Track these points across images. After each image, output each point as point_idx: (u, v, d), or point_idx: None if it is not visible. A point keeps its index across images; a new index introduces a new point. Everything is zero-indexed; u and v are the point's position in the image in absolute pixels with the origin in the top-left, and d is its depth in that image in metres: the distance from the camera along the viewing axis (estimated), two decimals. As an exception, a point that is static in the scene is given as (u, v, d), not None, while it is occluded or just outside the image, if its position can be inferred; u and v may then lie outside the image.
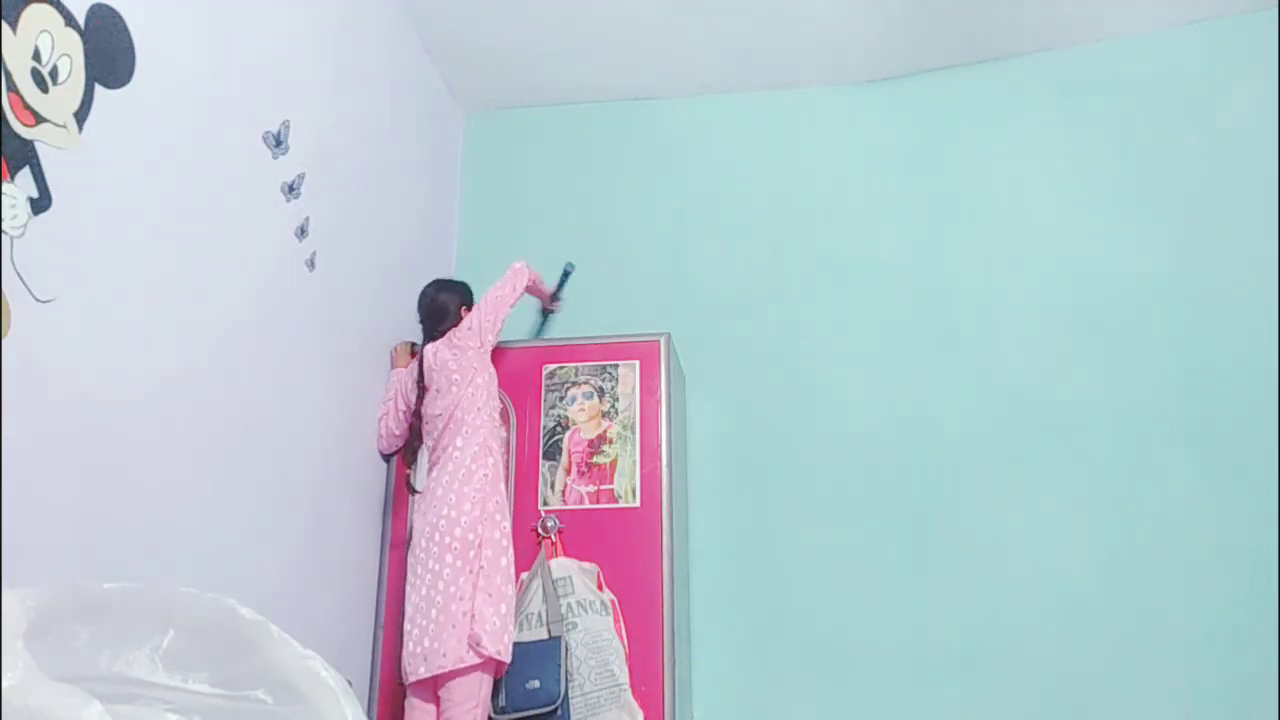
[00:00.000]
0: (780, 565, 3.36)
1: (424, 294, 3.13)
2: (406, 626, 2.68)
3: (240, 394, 2.34)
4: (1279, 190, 3.28)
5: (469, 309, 3.09)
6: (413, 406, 2.97)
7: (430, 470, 2.88)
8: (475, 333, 2.96)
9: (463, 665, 2.56)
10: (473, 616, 2.60)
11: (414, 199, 3.52)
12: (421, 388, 2.95)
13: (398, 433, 3.04)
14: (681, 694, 2.93)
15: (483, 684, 2.61)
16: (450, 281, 3.20)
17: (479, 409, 2.88)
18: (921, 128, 3.73)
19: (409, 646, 2.64)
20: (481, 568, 2.67)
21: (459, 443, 2.82)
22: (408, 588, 2.73)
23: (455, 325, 3.03)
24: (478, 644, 2.57)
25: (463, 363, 2.92)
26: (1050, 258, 3.48)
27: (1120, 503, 3.19)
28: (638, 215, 3.83)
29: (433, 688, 2.64)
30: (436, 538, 2.70)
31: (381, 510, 3.08)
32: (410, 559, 2.77)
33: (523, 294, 3.13)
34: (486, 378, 2.94)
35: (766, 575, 3.36)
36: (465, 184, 3.99)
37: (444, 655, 2.57)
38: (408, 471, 2.99)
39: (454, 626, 2.59)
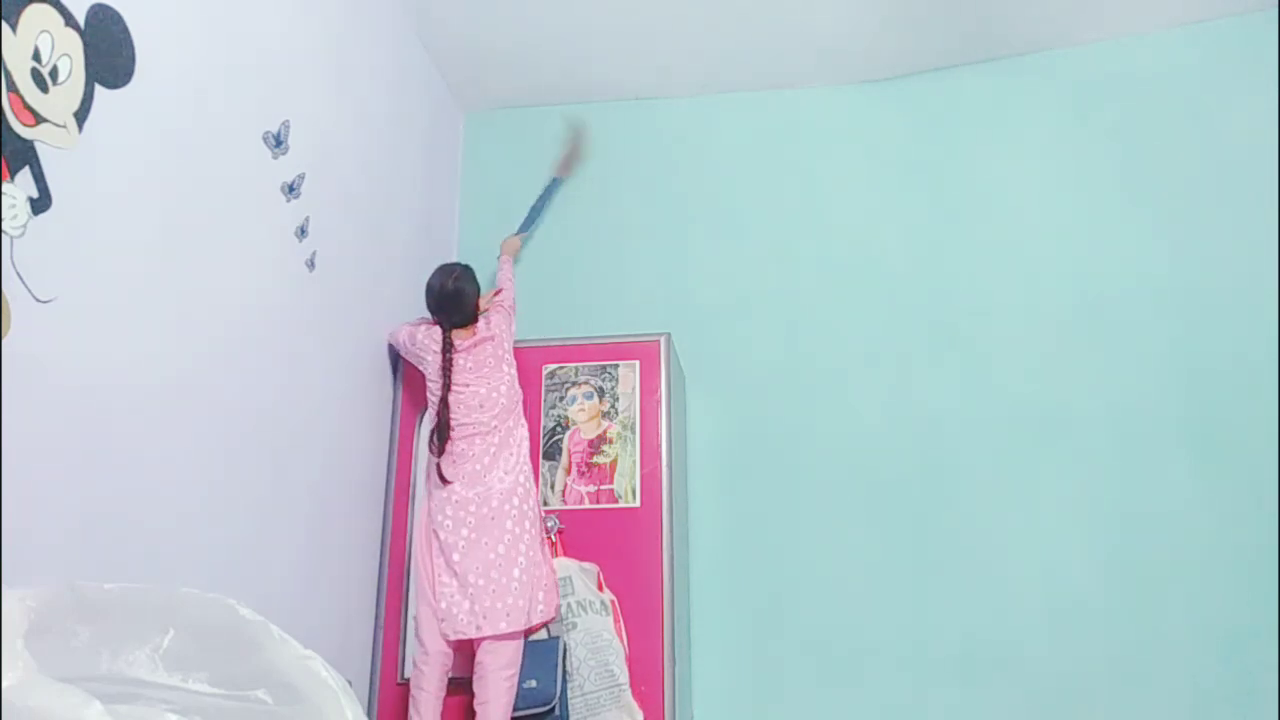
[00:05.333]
0: (780, 565, 3.36)
1: (439, 282, 3.00)
2: (456, 584, 2.71)
3: (240, 394, 2.34)
4: (1279, 190, 3.28)
5: (480, 296, 3.08)
6: (440, 395, 2.88)
7: (475, 440, 2.85)
8: (507, 339, 3.04)
9: (500, 632, 2.68)
10: (545, 588, 2.77)
11: (414, 199, 3.52)
12: (448, 377, 2.88)
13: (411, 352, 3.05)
14: (681, 694, 2.93)
15: (519, 650, 2.73)
16: (465, 269, 3.07)
17: (518, 397, 2.99)
18: (921, 128, 3.73)
19: (465, 603, 2.69)
20: (535, 539, 2.82)
21: (510, 423, 2.92)
22: (453, 553, 2.74)
23: (475, 316, 3.02)
24: (544, 619, 2.77)
25: (506, 348, 3.02)
26: (1050, 258, 3.48)
27: (1119, 502, 3.19)
28: (637, 215, 3.83)
29: (468, 652, 2.74)
30: (495, 503, 2.78)
31: (381, 510, 3.08)
32: (450, 522, 2.77)
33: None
34: None
35: (766, 575, 3.36)
36: (465, 184, 3.99)
37: (504, 618, 2.68)
38: (437, 461, 2.85)
39: (512, 590, 2.71)
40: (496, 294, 3.20)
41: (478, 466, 2.82)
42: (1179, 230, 3.38)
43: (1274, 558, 3.01)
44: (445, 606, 2.71)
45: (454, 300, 2.97)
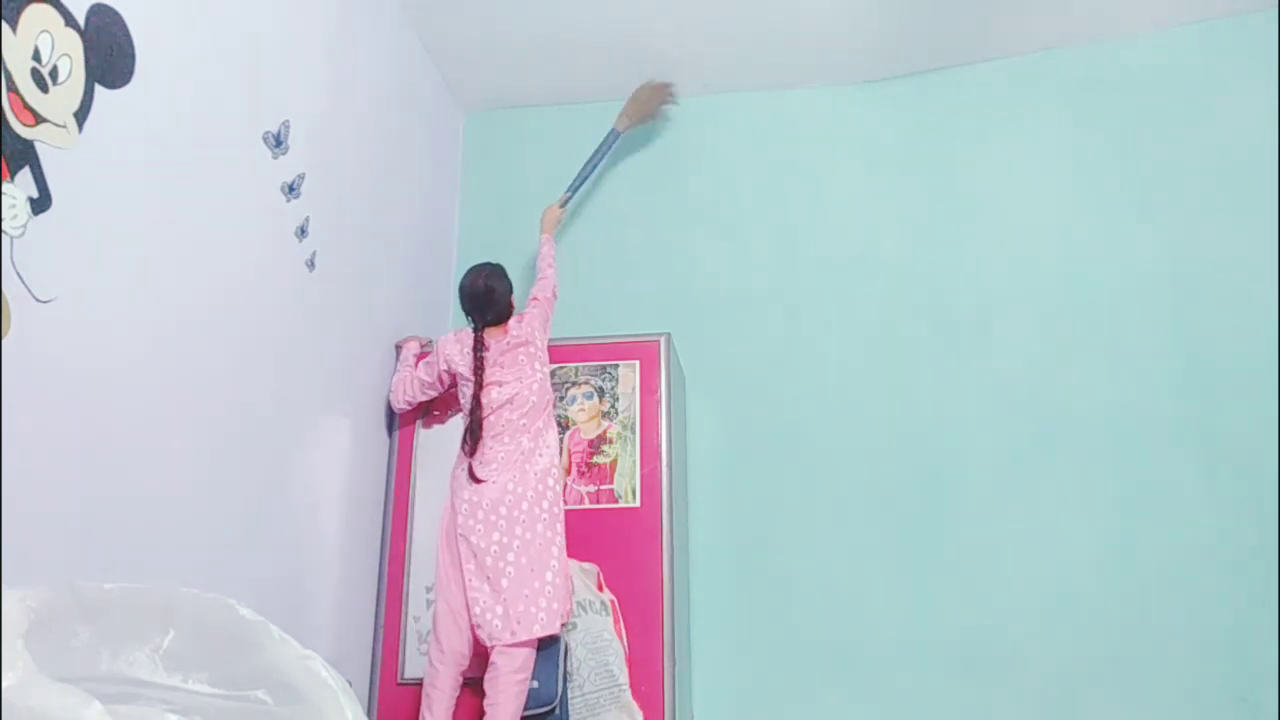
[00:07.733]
0: (780, 565, 3.36)
1: (469, 282, 3.00)
2: (489, 589, 2.68)
3: (240, 394, 2.34)
4: (1279, 190, 3.28)
5: (512, 294, 3.07)
6: (474, 392, 2.87)
7: (505, 439, 2.82)
8: (540, 339, 3.01)
9: (534, 636, 2.66)
10: (562, 592, 2.72)
11: (414, 199, 3.52)
12: (480, 375, 2.87)
13: (421, 399, 3.08)
14: (681, 694, 2.93)
15: (533, 654, 2.70)
16: (495, 268, 3.05)
17: (549, 397, 2.96)
18: (921, 128, 3.73)
19: (498, 609, 2.66)
20: (564, 543, 2.80)
21: (540, 424, 2.88)
22: (485, 556, 2.70)
23: (508, 313, 3.01)
24: (565, 621, 2.72)
25: (539, 346, 2.98)
26: (1050, 257, 3.48)
27: (1120, 503, 3.19)
28: (638, 215, 3.83)
29: (482, 654, 2.71)
30: (525, 506, 2.75)
31: (381, 510, 3.08)
32: (481, 526, 2.73)
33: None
34: None
35: (766, 575, 3.36)
36: (465, 184, 3.99)
37: (538, 622, 2.66)
38: (469, 461, 2.82)
39: (545, 594, 2.68)
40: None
41: (508, 467, 2.79)
42: (1179, 230, 3.38)
43: (1274, 558, 3.01)
44: (479, 612, 2.68)
45: (485, 299, 2.97)
